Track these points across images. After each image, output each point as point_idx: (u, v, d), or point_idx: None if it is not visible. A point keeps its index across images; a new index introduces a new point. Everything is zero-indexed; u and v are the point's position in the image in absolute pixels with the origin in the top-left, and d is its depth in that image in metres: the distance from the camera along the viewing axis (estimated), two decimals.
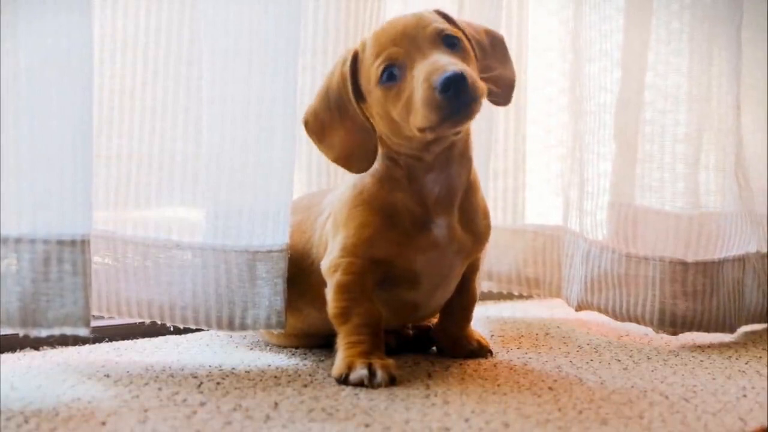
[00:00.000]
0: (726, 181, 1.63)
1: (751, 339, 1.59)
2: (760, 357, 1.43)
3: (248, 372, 1.25)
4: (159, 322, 1.32)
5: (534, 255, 1.78)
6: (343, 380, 1.18)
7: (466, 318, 1.38)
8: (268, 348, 1.42)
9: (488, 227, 1.33)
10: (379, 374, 1.17)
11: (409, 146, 1.22)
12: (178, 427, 0.98)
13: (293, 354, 1.38)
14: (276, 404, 1.08)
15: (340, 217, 1.26)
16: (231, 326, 1.31)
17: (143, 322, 1.35)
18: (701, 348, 1.50)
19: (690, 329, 1.55)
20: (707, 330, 1.55)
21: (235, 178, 1.29)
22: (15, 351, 1.34)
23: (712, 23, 1.59)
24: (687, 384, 1.23)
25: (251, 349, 1.41)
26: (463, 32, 1.24)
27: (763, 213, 1.72)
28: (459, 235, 1.26)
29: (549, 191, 1.83)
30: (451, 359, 1.35)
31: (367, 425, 1.00)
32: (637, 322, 1.57)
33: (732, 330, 1.58)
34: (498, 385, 1.19)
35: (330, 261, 1.25)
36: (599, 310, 1.61)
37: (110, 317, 1.35)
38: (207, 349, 1.39)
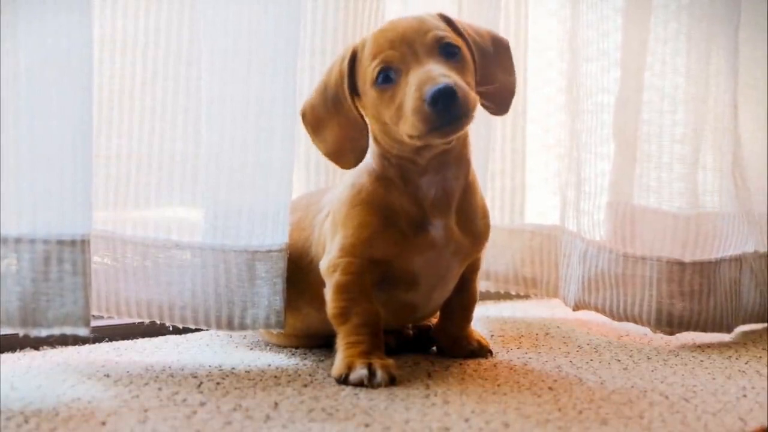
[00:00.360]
0: (723, 181, 1.63)
1: (750, 339, 1.59)
2: (760, 357, 1.43)
3: (248, 372, 1.25)
4: (158, 322, 1.32)
5: (531, 255, 1.78)
6: (343, 380, 1.18)
7: (467, 318, 1.38)
8: (268, 348, 1.42)
9: (487, 228, 1.33)
10: (379, 374, 1.17)
11: (400, 149, 1.23)
12: (178, 427, 0.98)
13: (293, 354, 1.38)
14: (276, 404, 1.08)
15: (338, 217, 1.26)
16: (230, 326, 1.31)
17: (143, 322, 1.35)
18: (701, 348, 1.50)
19: (687, 329, 1.55)
20: (704, 330, 1.56)
21: (235, 178, 1.29)
22: (15, 351, 1.34)
23: (710, 23, 1.59)
24: (687, 384, 1.23)
25: (251, 349, 1.41)
26: (466, 38, 1.24)
27: (762, 212, 1.72)
28: (457, 236, 1.26)
29: (547, 191, 1.83)
30: (451, 359, 1.35)
31: (367, 425, 1.00)
32: (635, 322, 1.57)
33: (729, 330, 1.58)
34: (498, 385, 1.19)
35: (329, 261, 1.25)
36: (596, 309, 1.61)
37: (110, 317, 1.35)
38: (207, 349, 1.39)
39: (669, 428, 1.02)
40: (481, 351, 1.37)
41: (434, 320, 1.42)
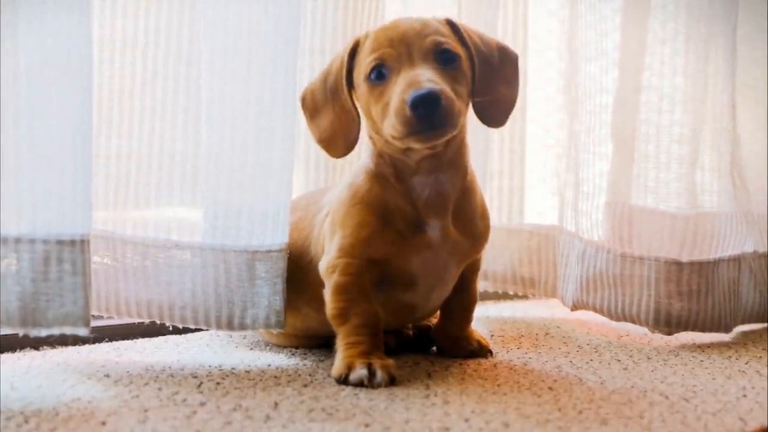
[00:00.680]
0: (721, 181, 1.63)
1: (750, 339, 1.59)
2: (760, 357, 1.43)
3: (248, 372, 1.25)
4: (158, 322, 1.32)
5: (529, 255, 1.78)
6: (343, 380, 1.18)
7: (467, 318, 1.38)
8: (268, 348, 1.42)
9: (487, 229, 1.33)
10: (379, 374, 1.17)
11: (389, 146, 1.23)
12: (178, 427, 0.98)
13: (293, 354, 1.38)
14: (276, 404, 1.08)
15: (337, 217, 1.27)
16: (230, 326, 1.31)
17: (143, 322, 1.35)
18: (701, 348, 1.50)
19: (685, 329, 1.55)
20: (702, 330, 1.56)
21: (235, 178, 1.29)
22: (15, 351, 1.34)
23: (709, 23, 1.59)
24: (687, 384, 1.23)
25: (251, 349, 1.41)
26: (469, 47, 1.24)
27: (761, 212, 1.72)
28: (454, 237, 1.26)
29: (546, 191, 1.83)
30: (451, 359, 1.35)
31: (367, 425, 1.00)
32: (633, 322, 1.57)
33: (728, 330, 1.58)
34: (498, 385, 1.19)
35: (328, 262, 1.25)
36: (595, 309, 1.61)
37: (110, 317, 1.35)
38: (207, 349, 1.39)
39: (669, 428, 1.02)
40: (481, 351, 1.37)
41: (434, 320, 1.42)
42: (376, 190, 1.25)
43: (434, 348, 1.41)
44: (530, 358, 1.38)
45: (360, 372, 1.17)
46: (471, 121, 1.28)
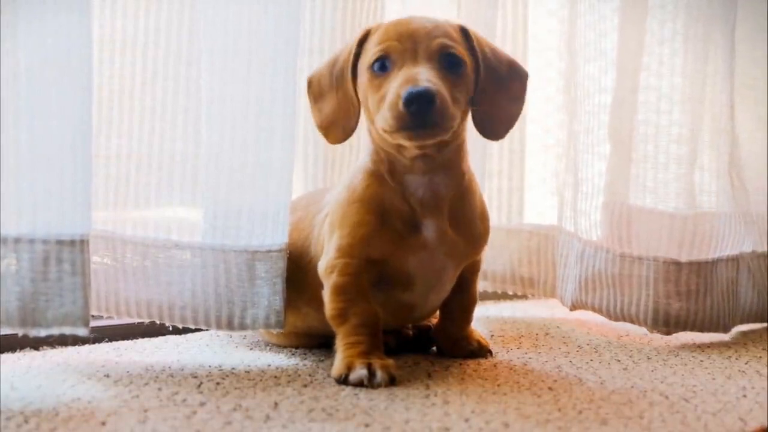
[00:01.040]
0: (720, 181, 1.63)
1: (750, 339, 1.59)
2: (760, 357, 1.43)
3: (248, 372, 1.25)
4: (158, 322, 1.32)
5: (529, 255, 1.78)
6: (343, 381, 1.18)
7: (467, 319, 1.38)
8: (268, 348, 1.42)
9: (486, 232, 1.33)
10: (379, 374, 1.17)
11: (383, 141, 1.24)
12: (178, 427, 0.98)
13: (293, 354, 1.38)
14: (276, 404, 1.08)
15: (335, 217, 1.27)
16: (230, 326, 1.31)
17: (143, 322, 1.35)
18: (701, 348, 1.50)
19: (684, 329, 1.55)
20: (701, 330, 1.56)
21: (235, 178, 1.29)
22: (15, 351, 1.33)
23: (708, 23, 1.59)
24: (687, 384, 1.23)
25: (251, 349, 1.41)
26: (477, 55, 1.24)
27: (760, 212, 1.72)
28: (450, 238, 1.26)
29: (545, 191, 1.83)
30: (451, 359, 1.35)
31: (367, 425, 1.00)
32: (631, 322, 1.57)
33: (726, 329, 1.58)
34: (498, 385, 1.19)
35: (326, 262, 1.25)
36: (593, 309, 1.61)
37: (110, 317, 1.35)
38: (207, 349, 1.39)
39: (669, 428, 1.02)
40: (481, 351, 1.37)
41: (434, 320, 1.42)
42: (373, 189, 1.25)
43: (434, 348, 1.41)
44: (530, 358, 1.38)
45: (360, 372, 1.17)
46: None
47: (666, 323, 1.54)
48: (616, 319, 1.59)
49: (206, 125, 1.30)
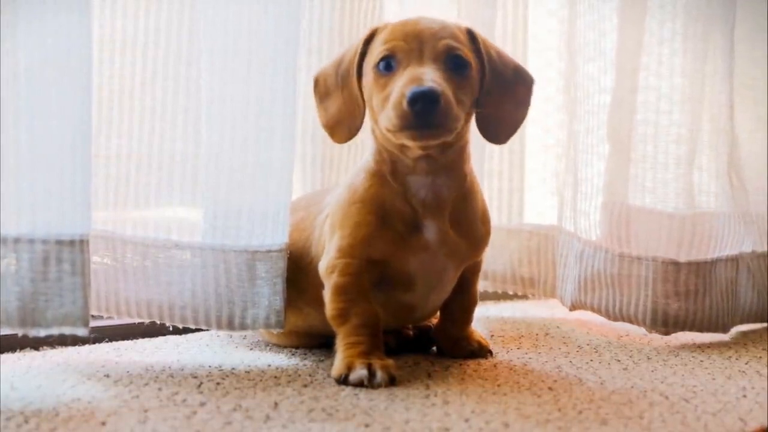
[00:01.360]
0: (719, 181, 1.63)
1: (750, 339, 1.59)
2: (760, 357, 1.43)
3: (248, 372, 1.25)
4: (158, 322, 1.32)
5: (529, 255, 1.78)
6: (343, 381, 1.18)
7: (467, 320, 1.38)
8: (268, 348, 1.42)
9: (487, 234, 1.33)
10: (379, 374, 1.17)
11: (386, 141, 1.23)
12: (178, 427, 0.98)
13: (293, 354, 1.38)
14: (276, 404, 1.08)
15: (337, 217, 1.27)
16: (230, 326, 1.31)
17: (143, 322, 1.35)
18: (701, 348, 1.50)
19: (682, 329, 1.55)
20: (700, 330, 1.56)
21: (235, 178, 1.29)
22: (15, 351, 1.33)
23: (707, 23, 1.59)
24: (687, 384, 1.23)
25: (251, 349, 1.41)
26: (483, 58, 1.24)
27: (760, 212, 1.72)
28: (451, 239, 1.26)
29: (546, 191, 1.83)
30: (451, 359, 1.35)
31: (367, 425, 1.00)
32: (630, 322, 1.57)
33: (725, 330, 1.58)
34: (498, 385, 1.19)
35: (327, 262, 1.25)
36: (593, 309, 1.61)
37: (110, 317, 1.35)
38: (207, 349, 1.39)
39: (669, 428, 1.02)
40: (481, 351, 1.37)
41: (434, 320, 1.42)
42: (374, 189, 1.25)
43: (434, 348, 1.41)
44: (530, 358, 1.38)
45: (360, 372, 1.17)
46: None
47: (665, 323, 1.54)
48: (615, 319, 1.59)
49: (206, 125, 1.30)
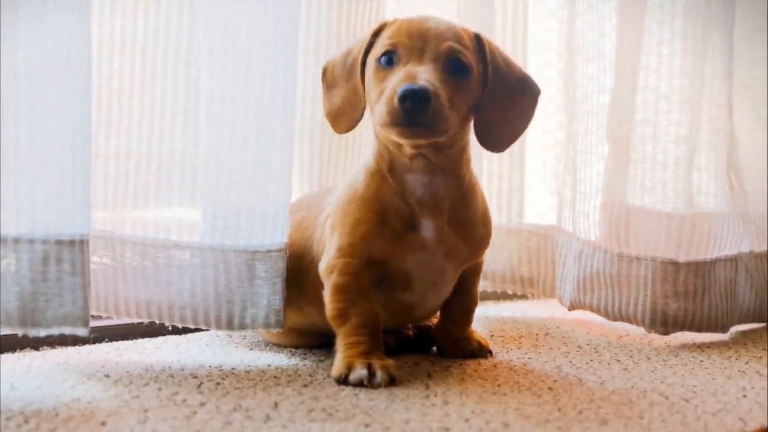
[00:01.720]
0: (718, 182, 1.63)
1: (750, 339, 1.59)
2: (760, 357, 1.43)
3: (248, 372, 1.25)
4: (158, 322, 1.32)
5: (528, 254, 1.78)
6: (343, 381, 1.18)
7: (467, 320, 1.38)
8: (268, 348, 1.42)
9: (488, 235, 1.33)
10: (379, 374, 1.17)
11: (383, 137, 1.24)
12: (178, 427, 0.98)
13: (293, 354, 1.37)
14: (276, 404, 1.08)
15: (336, 216, 1.27)
16: (230, 326, 1.31)
17: (143, 322, 1.35)
18: (701, 348, 1.50)
19: (681, 329, 1.55)
20: (699, 330, 1.56)
21: (234, 178, 1.29)
22: (15, 351, 1.33)
23: (706, 23, 1.59)
24: (687, 384, 1.23)
25: (251, 349, 1.41)
26: (488, 65, 1.24)
27: (758, 212, 1.72)
28: (449, 239, 1.26)
29: (545, 191, 1.83)
30: (451, 359, 1.35)
31: (367, 425, 1.00)
32: (629, 322, 1.57)
33: (724, 329, 1.59)
34: (498, 385, 1.19)
35: (327, 262, 1.26)
36: (591, 309, 1.61)
37: (109, 317, 1.35)
38: (207, 349, 1.39)
39: (669, 428, 1.02)
40: (481, 351, 1.37)
41: (435, 320, 1.42)
42: (373, 187, 1.25)
43: (434, 348, 1.41)
44: (530, 358, 1.38)
45: (360, 372, 1.17)
46: None
47: (664, 323, 1.54)
48: (614, 319, 1.59)
49: (206, 125, 1.30)
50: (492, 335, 1.54)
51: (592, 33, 1.63)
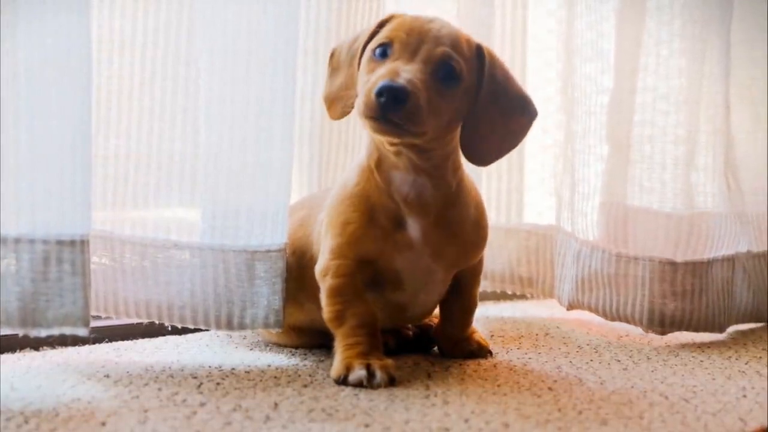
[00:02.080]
0: (716, 182, 1.63)
1: (750, 339, 1.59)
2: (760, 357, 1.43)
3: (248, 372, 1.25)
4: (158, 322, 1.32)
5: (527, 254, 1.78)
6: (342, 382, 1.18)
7: (467, 322, 1.38)
8: (268, 348, 1.42)
9: (482, 240, 1.32)
10: (378, 375, 1.17)
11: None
12: (178, 428, 0.98)
13: (293, 354, 1.37)
14: (276, 404, 1.08)
15: (329, 216, 1.27)
16: (230, 326, 1.31)
17: (143, 322, 1.35)
18: (701, 348, 1.50)
19: (679, 329, 1.55)
20: (696, 330, 1.56)
21: (234, 178, 1.29)
22: (15, 351, 1.33)
23: (705, 24, 1.59)
24: (687, 384, 1.24)
25: (251, 349, 1.41)
26: (484, 77, 1.22)
27: (756, 213, 1.72)
28: (435, 241, 1.25)
29: (544, 191, 1.83)
30: (451, 359, 1.35)
31: (367, 425, 1.00)
32: (627, 322, 1.58)
33: (722, 329, 1.59)
34: (498, 386, 1.19)
35: (321, 265, 1.26)
36: (590, 309, 1.62)
37: (109, 317, 1.35)
38: (207, 349, 1.39)
39: (669, 428, 1.02)
40: (481, 352, 1.37)
41: (435, 320, 1.42)
42: (362, 185, 1.25)
43: (434, 348, 1.41)
44: (530, 358, 1.38)
45: (359, 373, 1.17)
46: None
47: (661, 323, 1.55)
48: (612, 319, 1.59)
49: (205, 125, 1.30)
50: (492, 335, 1.54)
51: (591, 34, 1.63)
